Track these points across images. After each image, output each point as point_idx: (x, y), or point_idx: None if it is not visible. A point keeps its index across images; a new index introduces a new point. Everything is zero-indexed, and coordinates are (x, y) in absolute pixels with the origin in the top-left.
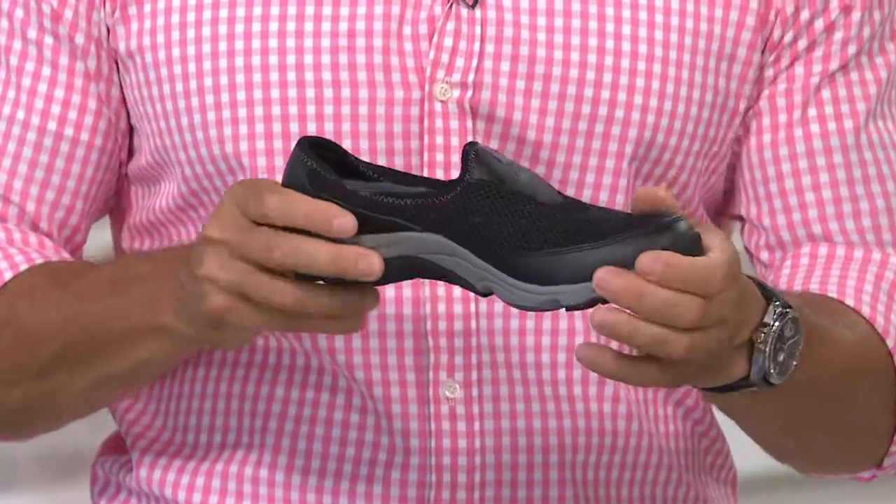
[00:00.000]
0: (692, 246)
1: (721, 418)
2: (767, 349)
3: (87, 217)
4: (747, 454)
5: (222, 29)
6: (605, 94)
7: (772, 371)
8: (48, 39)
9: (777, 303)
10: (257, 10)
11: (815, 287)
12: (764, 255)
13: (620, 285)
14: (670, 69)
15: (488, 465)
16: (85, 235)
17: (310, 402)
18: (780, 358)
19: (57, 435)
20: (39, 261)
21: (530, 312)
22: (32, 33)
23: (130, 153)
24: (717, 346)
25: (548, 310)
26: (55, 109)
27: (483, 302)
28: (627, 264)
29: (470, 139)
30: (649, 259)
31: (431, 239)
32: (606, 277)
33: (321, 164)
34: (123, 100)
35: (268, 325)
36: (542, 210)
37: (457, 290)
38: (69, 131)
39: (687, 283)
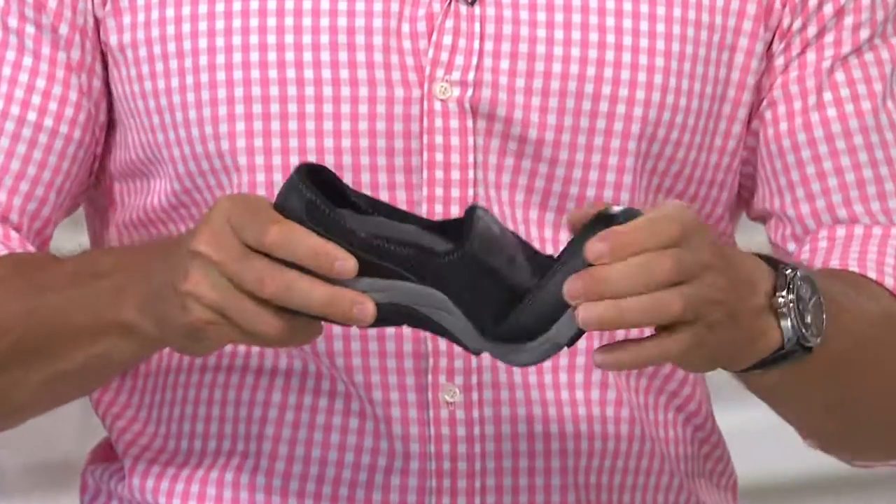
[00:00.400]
0: (633, 216)
1: (723, 425)
2: (792, 313)
3: (58, 210)
4: (751, 461)
5: (219, 24)
6: (606, 90)
7: (804, 332)
8: (29, 28)
9: (783, 267)
10: (254, 5)
11: (835, 264)
12: (791, 247)
13: (585, 283)
14: (672, 62)
15: (489, 471)
16: (53, 229)
17: (307, 408)
18: (808, 318)
19: (46, 443)
20: (2, 252)
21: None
22: (13, 22)
23: (107, 148)
24: (717, 294)
25: (551, 356)
26: (35, 100)
27: None
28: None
29: (471, 140)
30: (591, 245)
31: (428, 293)
32: (570, 286)
33: (320, 197)
34: (106, 93)
35: (243, 343)
36: (522, 287)
37: None
38: (49, 122)
39: (640, 242)
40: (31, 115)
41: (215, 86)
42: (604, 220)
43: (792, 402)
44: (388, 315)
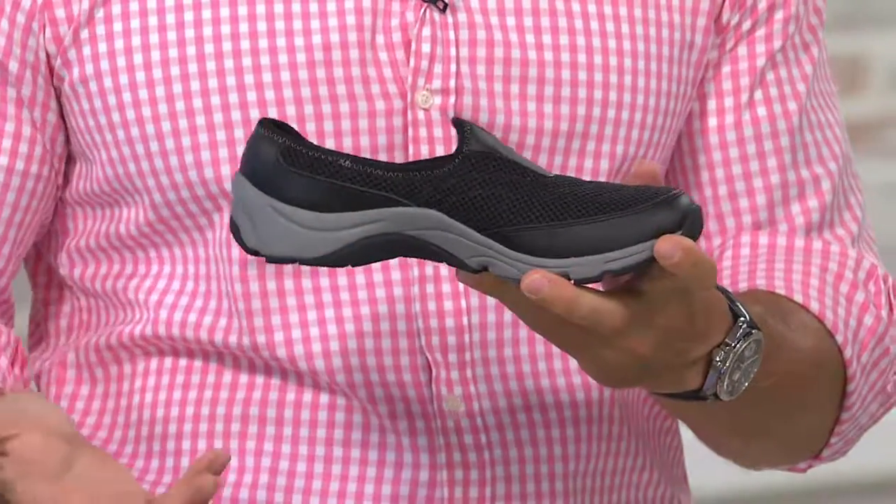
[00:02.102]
0: (700, 221)
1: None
2: (724, 367)
3: (20, 247)
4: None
5: (190, 50)
6: (582, 93)
7: (723, 387)
8: None
9: (743, 322)
10: (225, 29)
11: (761, 283)
12: (701, 243)
13: (548, 292)
14: (639, 62)
15: (498, 479)
16: (17, 265)
17: (306, 423)
18: (735, 377)
19: None
20: None
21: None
22: None
23: (66, 179)
24: (649, 351)
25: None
26: None
27: (475, 313)
28: (636, 237)
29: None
30: (669, 246)
31: (423, 214)
32: (536, 283)
33: (294, 139)
34: (62, 126)
35: None
36: (541, 181)
37: (447, 304)
38: (3, 160)
39: (694, 271)
40: None
41: (192, 113)
42: (668, 200)
43: (693, 423)
44: (377, 249)
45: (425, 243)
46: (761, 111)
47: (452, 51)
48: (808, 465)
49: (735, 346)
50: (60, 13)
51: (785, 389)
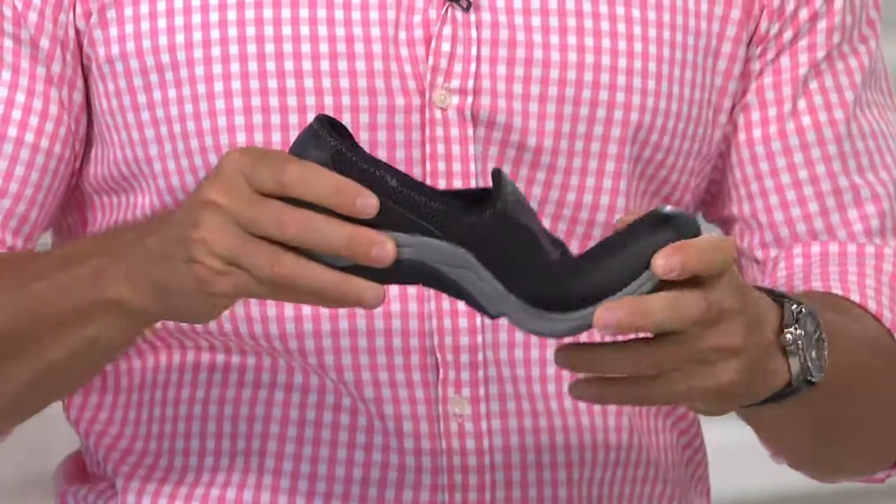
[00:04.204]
0: (692, 224)
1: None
2: (800, 350)
3: (39, 228)
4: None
5: (214, 33)
6: (604, 95)
7: (811, 368)
8: (8, 42)
9: (790, 303)
10: (250, 14)
11: (817, 285)
12: (758, 253)
13: (628, 313)
14: (664, 66)
15: (498, 483)
16: (34, 246)
17: (311, 423)
18: (814, 354)
19: (38, 455)
20: None
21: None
22: None
23: (84, 164)
24: (733, 341)
25: (573, 334)
26: (16, 115)
27: (489, 332)
28: (638, 267)
29: (471, 148)
30: (664, 259)
31: (454, 252)
32: (609, 314)
33: (346, 144)
34: (86, 107)
35: (257, 295)
36: (548, 258)
37: (461, 304)
38: (29, 137)
39: (706, 257)
40: (12, 131)
41: (213, 97)
42: (658, 219)
43: (781, 430)
44: (408, 272)
45: (450, 280)
46: (806, 120)
47: (473, 50)
48: (886, 475)
49: (794, 325)
50: None
51: (853, 381)
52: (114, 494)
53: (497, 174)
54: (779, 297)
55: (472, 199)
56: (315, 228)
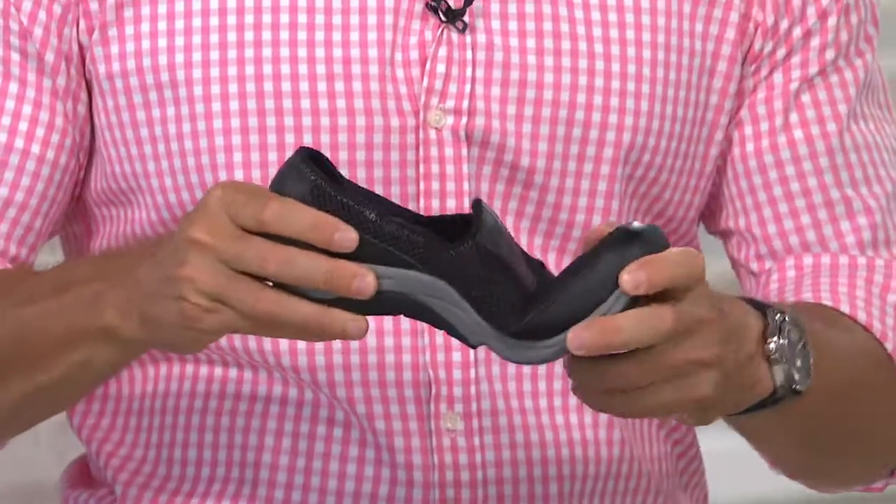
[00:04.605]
0: (658, 238)
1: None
2: (783, 359)
3: (42, 237)
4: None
5: (214, 55)
6: (596, 117)
7: (795, 377)
8: (15, 56)
9: (773, 312)
10: (249, 36)
11: (808, 296)
12: (754, 266)
13: (597, 334)
14: (657, 87)
15: (490, 498)
16: (35, 255)
17: (305, 435)
18: (798, 363)
19: (20, 466)
20: None
21: None
22: None
23: (85, 177)
24: (709, 353)
25: (552, 360)
26: (22, 126)
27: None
28: (608, 287)
29: (465, 168)
30: (630, 275)
31: (435, 283)
32: (578, 335)
33: (325, 178)
34: (89, 119)
35: (242, 330)
36: (527, 293)
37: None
38: (35, 148)
39: (673, 279)
40: (19, 142)
41: (211, 116)
42: (625, 235)
43: (770, 439)
44: (389, 304)
45: (431, 311)
46: (798, 133)
47: (468, 71)
48: (885, 484)
49: (778, 334)
50: (94, 6)
51: (842, 390)
52: (113, 501)
53: (478, 205)
54: (762, 307)
55: (452, 227)
56: (295, 264)
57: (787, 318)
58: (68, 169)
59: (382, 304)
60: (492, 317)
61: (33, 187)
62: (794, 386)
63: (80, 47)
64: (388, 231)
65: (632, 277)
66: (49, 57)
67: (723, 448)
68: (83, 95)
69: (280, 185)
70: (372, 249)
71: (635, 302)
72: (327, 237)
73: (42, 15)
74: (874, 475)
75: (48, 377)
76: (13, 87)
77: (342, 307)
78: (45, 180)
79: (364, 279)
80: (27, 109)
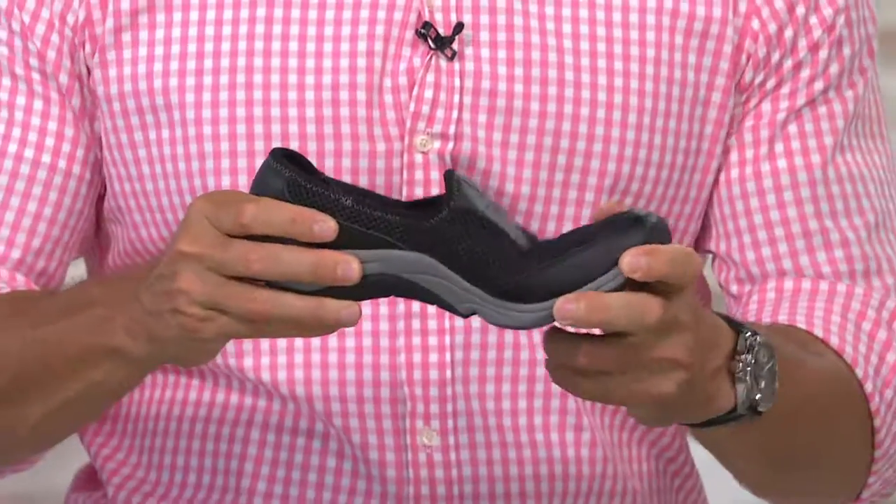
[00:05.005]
0: (665, 233)
1: (698, 456)
2: (748, 377)
3: (71, 251)
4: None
5: (207, 80)
6: (581, 145)
7: (757, 398)
8: (36, 75)
9: (745, 331)
10: (241, 62)
11: (783, 319)
12: (734, 288)
13: (586, 306)
14: (645, 118)
15: None
16: (65, 271)
17: (286, 446)
18: (762, 384)
19: (27, 473)
20: (5, 290)
21: (505, 352)
22: (20, 70)
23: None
24: (682, 355)
25: (540, 325)
26: (49, 142)
27: (458, 350)
28: (607, 264)
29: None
30: (632, 257)
31: (417, 259)
32: (566, 305)
33: (300, 173)
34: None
35: (241, 334)
36: (516, 246)
37: (432, 340)
38: (62, 163)
39: (673, 266)
40: (46, 157)
41: (202, 140)
42: (633, 220)
43: (734, 455)
44: (376, 287)
45: (419, 287)
46: (781, 163)
47: (456, 98)
48: None
49: (747, 353)
50: (98, 30)
51: (809, 407)
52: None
53: (450, 175)
54: (736, 325)
55: (430, 206)
56: (279, 259)
57: (758, 339)
58: (93, 183)
59: (371, 288)
60: (479, 278)
61: (61, 202)
62: (755, 406)
63: (88, 70)
64: (365, 215)
65: (633, 260)
66: (63, 79)
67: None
68: (98, 114)
69: (259, 187)
70: (353, 235)
71: (625, 288)
72: (307, 229)
73: (55, 38)
74: (839, 497)
75: (66, 396)
76: (38, 105)
77: (334, 297)
78: (72, 195)
79: (348, 265)
80: (52, 126)
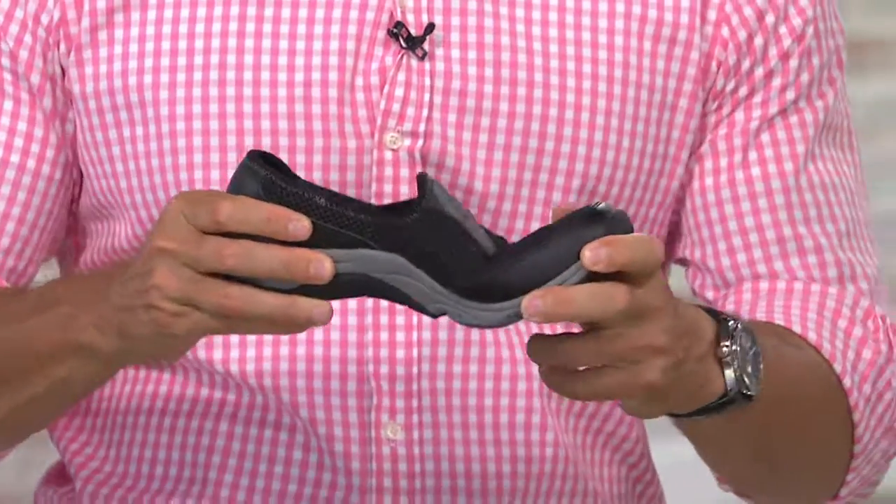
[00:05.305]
0: (624, 223)
1: (657, 458)
2: (735, 362)
3: (41, 251)
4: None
5: (181, 77)
6: (550, 145)
7: (746, 382)
8: (7, 75)
9: (726, 318)
10: (214, 59)
11: (761, 317)
12: (709, 294)
13: (551, 301)
14: (613, 120)
15: None
16: (36, 269)
17: (253, 439)
18: (749, 368)
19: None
20: None
21: (472, 349)
22: None
23: (80, 190)
24: (662, 340)
25: (507, 324)
26: (18, 142)
27: (426, 346)
28: (568, 260)
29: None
30: (591, 251)
31: (388, 259)
32: (532, 301)
33: (275, 173)
34: (76, 138)
35: (213, 330)
36: (482, 252)
37: (400, 335)
38: (31, 163)
39: (633, 252)
40: (14, 157)
41: (175, 135)
42: (591, 214)
43: (722, 449)
44: (348, 286)
45: (390, 286)
46: (755, 171)
47: (426, 97)
48: None
49: (731, 339)
50: (73, 29)
51: (790, 407)
52: (73, 497)
53: (422, 177)
54: (716, 314)
55: (402, 209)
56: (252, 256)
57: (739, 326)
58: (63, 183)
59: (343, 287)
60: (448, 279)
61: (30, 201)
62: (744, 391)
63: (63, 70)
64: (339, 214)
65: (593, 253)
66: (35, 79)
67: (681, 459)
68: (70, 114)
69: (237, 186)
70: (325, 234)
71: (592, 279)
72: (282, 228)
73: (28, 38)
74: (818, 495)
75: (34, 392)
76: (7, 105)
77: (307, 296)
78: (41, 195)
79: (321, 264)
80: (22, 126)
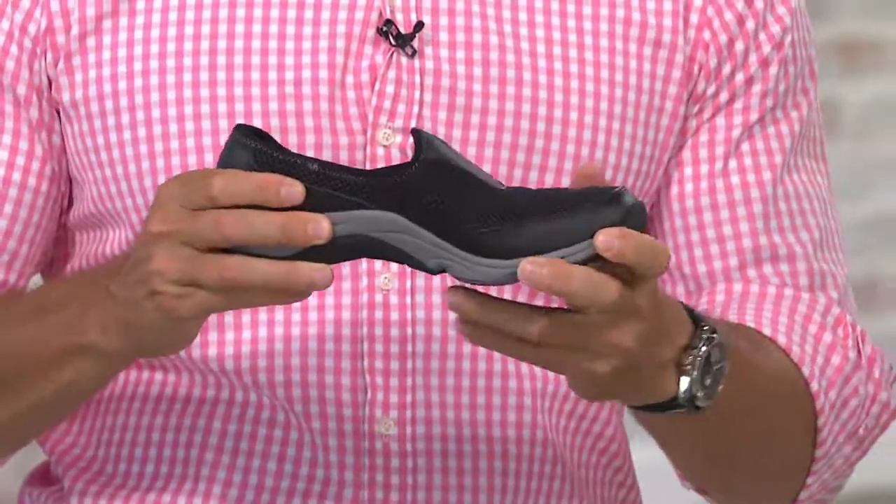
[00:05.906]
0: (642, 215)
1: (637, 460)
2: (695, 372)
3: (30, 264)
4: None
5: (170, 79)
6: (539, 143)
7: (698, 394)
8: None
9: (705, 327)
10: (204, 60)
11: (732, 318)
12: (681, 299)
13: (552, 273)
14: (601, 119)
15: (419, 502)
16: (27, 283)
17: (247, 436)
18: (707, 382)
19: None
20: None
21: (466, 346)
22: None
23: (70, 201)
24: (631, 342)
25: (507, 283)
26: (2, 155)
27: (420, 342)
28: (581, 235)
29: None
30: (607, 236)
31: (384, 217)
32: (534, 268)
33: (266, 144)
34: (64, 149)
35: (217, 307)
36: (493, 192)
37: (394, 331)
38: (17, 176)
39: (639, 255)
40: (0, 171)
41: (167, 138)
42: (613, 197)
43: (677, 446)
44: (347, 248)
45: (388, 245)
46: (735, 179)
47: (417, 94)
48: None
49: (700, 348)
50: (61, 38)
51: (753, 404)
52: (62, 496)
53: (416, 132)
54: (697, 320)
55: (394, 170)
56: (248, 223)
57: (715, 339)
58: (50, 196)
59: (341, 250)
60: (452, 231)
61: (17, 214)
62: (695, 401)
63: (49, 79)
64: (332, 178)
65: (607, 239)
66: (21, 89)
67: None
68: (56, 126)
69: (227, 160)
70: (320, 198)
71: (594, 261)
72: (274, 194)
73: (14, 49)
74: (778, 496)
75: (38, 397)
76: None
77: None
78: (27, 207)
79: (318, 223)
80: (7, 139)
